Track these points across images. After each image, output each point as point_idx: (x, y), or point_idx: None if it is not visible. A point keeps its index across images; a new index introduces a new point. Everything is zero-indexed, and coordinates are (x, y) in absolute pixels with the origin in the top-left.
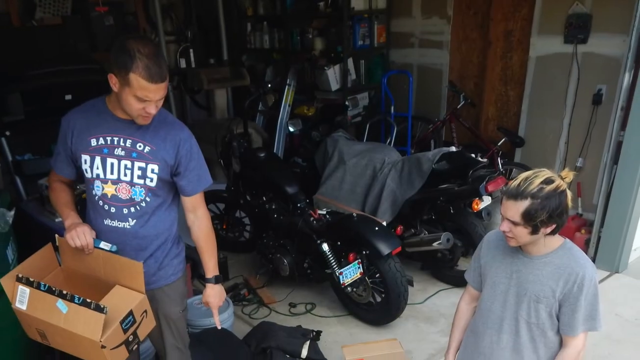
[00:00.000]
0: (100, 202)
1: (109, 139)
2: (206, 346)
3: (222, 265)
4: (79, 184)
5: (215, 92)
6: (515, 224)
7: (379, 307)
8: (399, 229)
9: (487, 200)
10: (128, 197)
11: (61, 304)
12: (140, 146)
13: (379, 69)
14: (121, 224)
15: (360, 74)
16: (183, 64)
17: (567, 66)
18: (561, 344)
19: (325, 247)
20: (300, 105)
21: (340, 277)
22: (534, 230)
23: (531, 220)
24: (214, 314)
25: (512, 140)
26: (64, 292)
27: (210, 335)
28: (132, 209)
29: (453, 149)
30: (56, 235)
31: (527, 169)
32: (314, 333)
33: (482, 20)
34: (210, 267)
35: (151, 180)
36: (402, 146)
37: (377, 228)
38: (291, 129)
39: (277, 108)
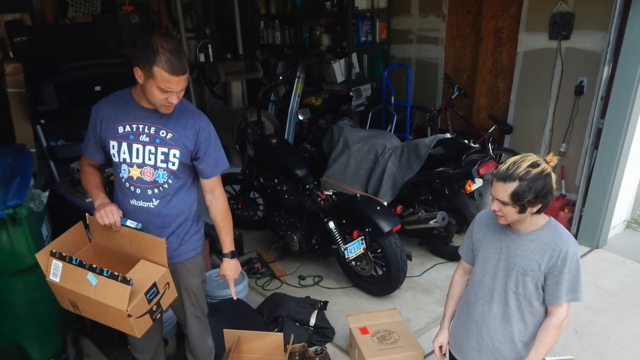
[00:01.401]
0: (127, 184)
1: (134, 126)
2: (223, 315)
3: (238, 241)
4: (107, 167)
5: (231, 83)
6: (504, 203)
7: (380, 279)
8: (399, 208)
9: (478, 182)
10: (152, 180)
11: (91, 276)
12: (163, 133)
13: (380, 62)
14: (146, 204)
15: (364, 67)
16: (202, 58)
17: (551, 60)
18: (546, 313)
19: (331, 224)
20: (309, 96)
21: (345, 252)
22: (522, 210)
23: (519, 200)
24: (230, 285)
25: (501, 128)
26: (94, 266)
27: (226, 305)
28: (156, 190)
29: (448, 135)
30: (86, 214)
31: (515, 153)
32: (321, 303)
33: (474, 18)
34: (227, 243)
35: (173, 164)
36: (401, 133)
37: (378, 207)
38: (300, 117)
39: (287, 98)
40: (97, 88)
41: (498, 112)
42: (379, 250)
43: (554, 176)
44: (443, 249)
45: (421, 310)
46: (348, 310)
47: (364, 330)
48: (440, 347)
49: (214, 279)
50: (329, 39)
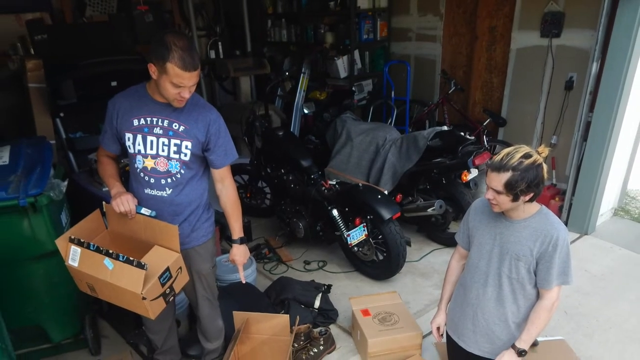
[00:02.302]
0: (142, 174)
1: (149, 119)
2: (232, 298)
3: (246, 228)
4: (123, 158)
5: (240, 79)
6: (498, 192)
7: (381, 264)
8: (399, 197)
9: (474, 172)
10: (165, 170)
11: (108, 261)
12: (175, 126)
13: (381, 59)
14: (159, 193)
15: (365, 64)
16: (213, 55)
17: (543, 57)
18: (538, 296)
19: (335, 212)
20: (314, 91)
21: (348, 238)
22: (515, 198)
23: (512, 189)
24: (239, 270)
25: (495, 121)
26: (110, 251)
27: (236, 288)
28: (169, 180)
29: (445, 128)
30: (103, 203)
31: (508, 145)
32: (325, 286)
33: (470, 17)
34: (236, 230)
35: (185, 155)
36: (401, 126)
37: (379, 196)
38: (306, 111)
39: (293, 93)
40: (114, 83)
41: (492, 106)
42: (379, 237)
43: (545, 166)
44: (440, 235)
45: (420, 293)
46: (351, 293)
47: (365, 312)
48: (438, 328)
49: (223, 264)
50: (332, 36)
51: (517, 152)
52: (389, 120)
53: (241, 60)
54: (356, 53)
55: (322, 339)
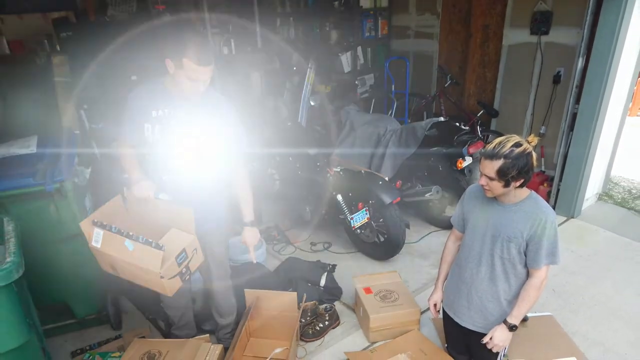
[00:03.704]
0: (160, 162)
1: (166, 111)
2: (244, 276)
3: (257, 212)
4: (142, 147)
5: (251, 73)
6: (491, 179)
7: (382, 245)
8: (398, 183)
9: (468, 160)
10: (182, 158)
11: (128, 242)
12: (191, 117)
13: (382, 55)
14: (176, 179)
15: (367, 59)
16: (225, 51)
17: (532, 53)
18: (528, 275)
19: (339, 197)
20: (320, 84)
21: (351, 221)
22: (506, 184)
23: (504, 176)
24: (250, 251)
25: (488, 112)
26: (131, 233)
27: (247, 268)
28: (185, 167)
29: (441, 119)
30: (124, 188)
31: (500, 134)
32: (331, 266)
33: (465, 16)
34: (248, 214)
35: (201, 143)
36: (401, 117)
37: (380, 182)
38: (312, 103)
39: (300, 86)
40: (133, 77)
41: (486, 98)
42: (381, 220)
43: (534, 154)
44: (437, 218)
45: (418, 273)
46: (354, 272)
47: (367, 290)
48: (435, 305)
49: (236, 245)
50: (337, 34)
51: (508, 141)
52: (390, 112)
53: (252, 57)
54: (359, 49)
55: (327, 314)
